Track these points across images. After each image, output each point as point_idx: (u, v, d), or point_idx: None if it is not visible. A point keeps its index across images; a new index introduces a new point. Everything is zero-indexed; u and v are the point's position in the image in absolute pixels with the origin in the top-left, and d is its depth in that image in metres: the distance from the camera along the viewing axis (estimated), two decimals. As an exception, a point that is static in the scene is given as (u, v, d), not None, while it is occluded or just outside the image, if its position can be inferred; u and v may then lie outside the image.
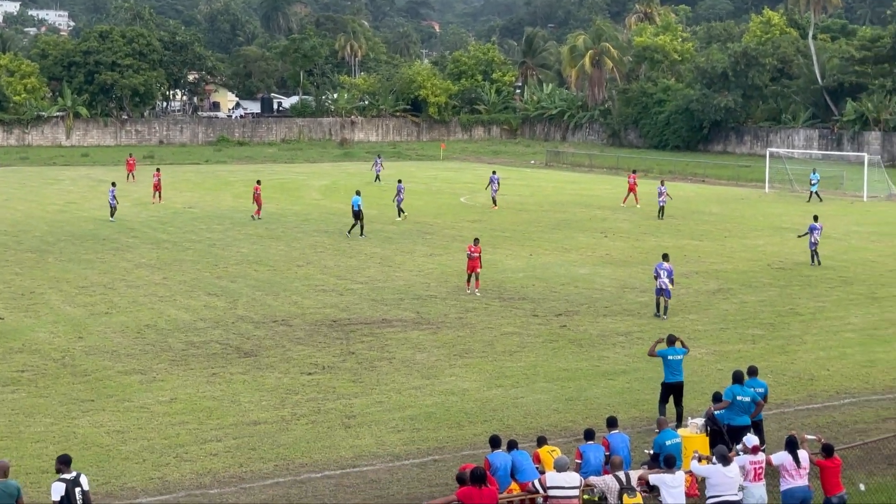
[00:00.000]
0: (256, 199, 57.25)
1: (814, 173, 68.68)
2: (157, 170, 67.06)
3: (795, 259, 44.41)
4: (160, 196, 64.06)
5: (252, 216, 56.62)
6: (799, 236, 45.80)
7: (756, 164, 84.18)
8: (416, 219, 57.43)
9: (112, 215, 55.80)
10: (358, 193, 51.63)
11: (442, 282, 39.13)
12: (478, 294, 36.42)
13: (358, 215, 50.80)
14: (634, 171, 67.58)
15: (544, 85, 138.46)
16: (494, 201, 63.25)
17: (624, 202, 63.69)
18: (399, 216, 57.53)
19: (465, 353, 28.89)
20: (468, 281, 37.19)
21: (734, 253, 46.18)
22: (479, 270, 36.99)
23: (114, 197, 55.78)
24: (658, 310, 33.09)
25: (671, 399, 22.73)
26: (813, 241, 42.49)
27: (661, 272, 32.82)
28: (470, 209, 62.44)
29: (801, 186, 74.35)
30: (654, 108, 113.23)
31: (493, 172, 66.93)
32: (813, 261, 42.50)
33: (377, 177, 79.71)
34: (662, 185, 59.41)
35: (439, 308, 34.60)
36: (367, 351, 29.02)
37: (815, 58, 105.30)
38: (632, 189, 63.73)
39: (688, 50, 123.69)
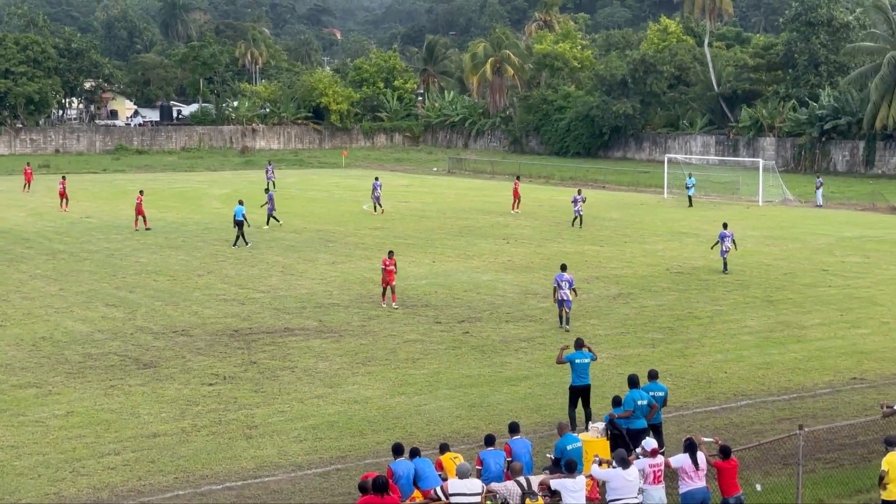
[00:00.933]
0: (138, 210, 55.42)
1: (689, 178, 70.29)
2: (63, 177, 66.19)
3: (694, 264, 45.12)
4: (66, 203, 63.17)
5: (135, 228, 54.98)
6: (712, 247, 45.24)
7: (655, 170, 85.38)
8: (318, 227, 57.17)
9: None
10: (241, 203, 50.77)
11: (345, 290, 38.98)
12: (395, 307, 35.72)
13: (241, 225, 49.93)
14: (518, 178, 68.73)
15: (446, 92, 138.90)
16: (376, 207, 64.48)
17: (514, 208, 64.49)
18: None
19: (367, 361, 28.81)
20: (383, 294, 36.24)
21: (634, 258, 46.76)
22: (393, 283, 35.96)
23: None
24: (561, 322, 32.80)
25: (579, 402, 22.98)
26: (724, 248, 42.72)
27: (563, 283, 32.46)
28: (372, 217, 62.32)
29: (700, 192, 75.59)
30: (555, 115, 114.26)
31: (376, 178, 67.84)
32: (725, 269, 42.55)
33: (272, 184, 79.24)
34: (579, 193, 59.26)
35: (342, 316, 34.46)
36: (269, 360, 28.79)
37: (710, 65, 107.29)
38: (516, 194, 64.91)
39: (587, 57, 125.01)
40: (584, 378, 23.07)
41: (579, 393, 23.05)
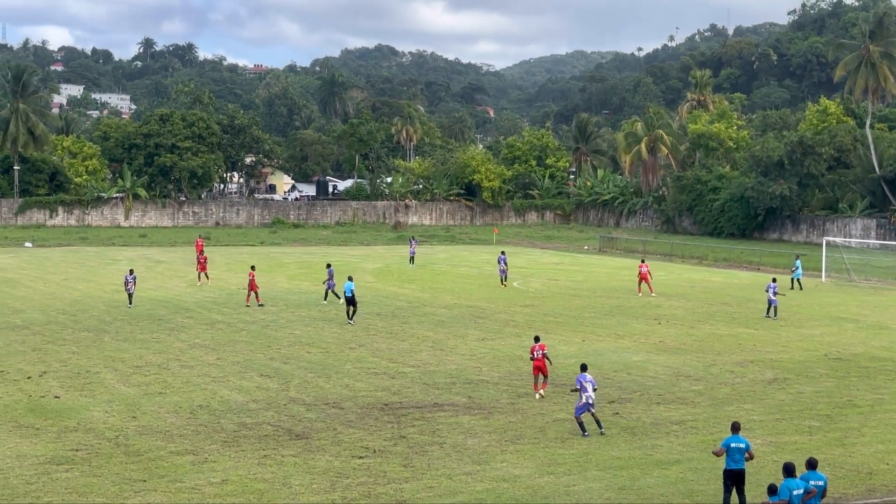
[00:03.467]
0: (251, 285, 55.33)
1: (797, 259, 68.44)
2: (253, 268, 57.85)
3: (853, 350, 43.83)
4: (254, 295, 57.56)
5: (246, 304, 54.95)
6: None
7: (812, 253, 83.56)
8: (468, 303, 57.48)
9: (130, 301, 54.74)
10: (350, 279, 51.08)
11: (494, 366, 39.00)
12: (542, 394, 34.06)
13: (351, 301, 49.75)
14: (644, 261, 65.39)
15: (598, 171, 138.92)
16: (503, 280, 65.63)
17: (639, 291, 62.27)
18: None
19: (516, 438, 28.68)
20: (535, 384, 34.33)
21: (790, 342, 45.67)
22: (546, 371, 34.05)
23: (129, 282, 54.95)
24: (587, 428, 29.12)
25: (734, 489, 22.51)
26: None
27: (587, 384, 28.90)
28: (522, 294, 62.39)
29: (859, 276, 73.70)
30: (709, 195, 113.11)
31: (502, 252, 69.09)
32: None
33: (411, 258, 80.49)
34: (774, 281, 54.51)
35: (491, 393, 34.44)
36: (419, 435, 28.90)
37: (872, 147, 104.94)
38: (644, 278, 62.56)
39: (743, 138, 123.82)
40: (739, 463, 22.59)
41: (734, 478, 22.56)
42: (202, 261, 64.76)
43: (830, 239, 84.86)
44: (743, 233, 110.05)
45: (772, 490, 20.09)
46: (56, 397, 33.11)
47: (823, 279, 73.22)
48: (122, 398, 33.06)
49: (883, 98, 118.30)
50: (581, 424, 28.99)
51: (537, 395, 34.00)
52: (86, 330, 46.48)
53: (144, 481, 24.43)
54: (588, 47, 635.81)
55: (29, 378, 35.90)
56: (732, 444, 22.76)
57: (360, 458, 26.55)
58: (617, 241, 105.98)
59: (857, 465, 26.71)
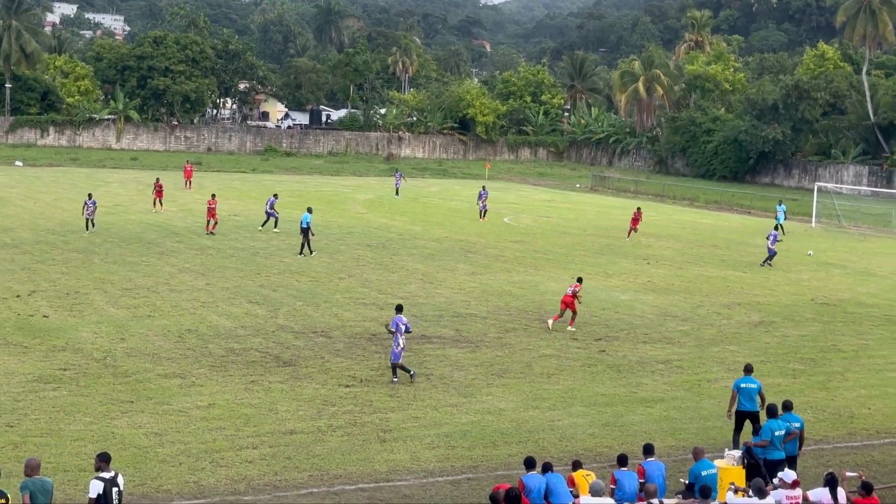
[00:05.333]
0: (210, 212, 54.15)
1: (780, 204, 68.45)
2: (213, 197, 56.53)
3: (840, 296, 44.06)
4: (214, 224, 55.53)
5: (209, 232, 53.80)
6: None
7: (804, 198, 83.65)
8: (458, 237, 57.52)
9: (87, 227, 52.80)
10: (309, 211, 49.82)
11: (483, 301, 39.14)
12: (571, 329, 34.79)
13: (305, 233, 48.70)
14: (639, 208, 63.45)
15: (593, 109, 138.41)
16: (482, 214, 65.65)
17: (629, 236, 59.88)
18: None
19: (503, 372, 28.87)
20: (557, 315, 34.95)
21: (778, 286, 45.87)
22: (574, 309, 34.76)
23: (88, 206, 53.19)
24: (397, 374, 27.63)
25: (744, 428, 22.69)
26: None
27: (402, 326, 27.53)
28: (513, 230, 62.45)
29: (849, 223, 73.91)
30: (703, 137, 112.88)
31: (483, 187, 68.87)
32: None
33: (396, 191, 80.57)
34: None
35: (479, 327, 34.61)
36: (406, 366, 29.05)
37: (868, 94, 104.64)
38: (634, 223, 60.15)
39: (739, 80, 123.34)
40: (752, 403, 22.63)
41: (745, 417, 22.71)
42: (159, 188, 63.20)
43: (822, 184, 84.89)
44: (735, 176, 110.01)
45: (755, 431, 20.29)
46: (45, 317, 33.18)
47: (813, 225, 73.36)
48: (110, 320, 33.14)
49: (880, 45, 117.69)
50: (399, 369, 27.37)
51: (550, 323, 34.69)
52: (75, 251, 46.43)
53: (132, 402, 24.57)
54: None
55: (18, 297, 35.94)
56: (742, 385, 22.90)
57: (347, 386, 26.71)
58: (609, 180, 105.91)
59: (840, 408, 26.96)
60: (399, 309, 28.30)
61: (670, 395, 27.36)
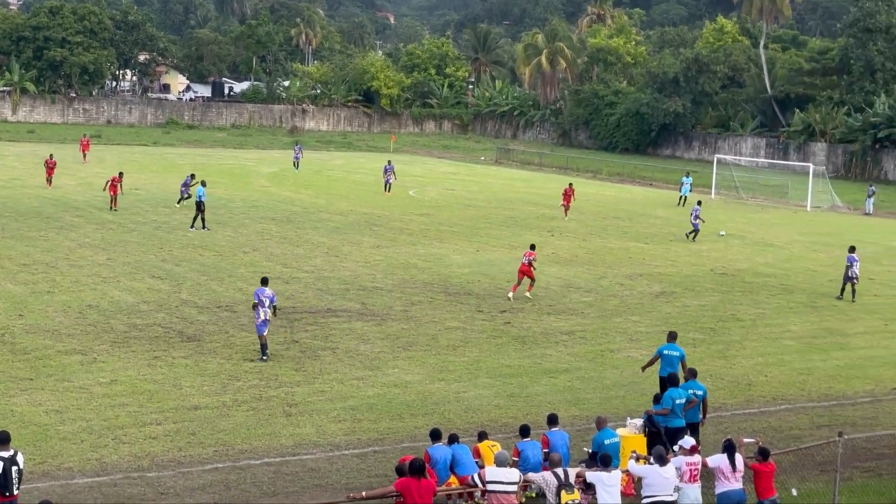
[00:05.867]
0: (112, 188, 52.38)
1: (687, 177, 69.57)
2: (120, 174, 55.19)
3: (738, 266, 44.94)
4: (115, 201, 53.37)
5: (113, 209, 52.17)
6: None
7: (703, 170, 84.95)
8: (364, 210, 57.41)
9: None
10: (203, 184, 49.25)
11: (388, 274, 39.15)
12: (528, 295, 35.79)
13: (200, 206, 48.01)
14: (571, 184, 61.49)
15: (497, 82, 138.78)
16: (387, 187, 65.92)
17: (566, 214, 58.28)
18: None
19: (408, 345, 28.95)
20: (515, 285, 35.73)
21: (679, 257, 46.61)
22: (532, 276, 35.82)
23: None
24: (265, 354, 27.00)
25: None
26: (850, 274, 37.95)
27: (265, 299, 26.89)
28: (418, 202, 62.51)
29: (748, 194, 75.32)
30: (605, 109, 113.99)
31: (388, 161, 68.90)
32: (852, 297, 37.93)
33: (297, 164, 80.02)
34: (699, 204, 54.40)
35: (384, 300, 34.63)
36: (311, 340, 29.00)
37: (765, 67, 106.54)
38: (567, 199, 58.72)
39: (641, 54, 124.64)
40: (674, 367, 22.97)
41: (666, 382, 23.06)
42: (51, 165, 61.25)
43: (721, 156, 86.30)
44: (637, 148, 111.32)
45: (656, 399, 20.65)
46: (-60, 294, 32.42)
47: (713, 196, 74.59)
48: (8, 296, 32.49)
49: (777, 19, 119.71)
50: (264, 345, 26.82)
51: (510, 295, 35.24)
52: (-29, 227, 45.40)
53: (31, 380, 24.16)
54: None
55: (-89, 274, 35.06)
56: (665, 352, 23.40)
57: (252, 361, 26.57)
58: (513, 152, 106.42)
59: (738, 376, 27.55)
60: (264, 282, 27.95)
61: (574, 366, 27.70)
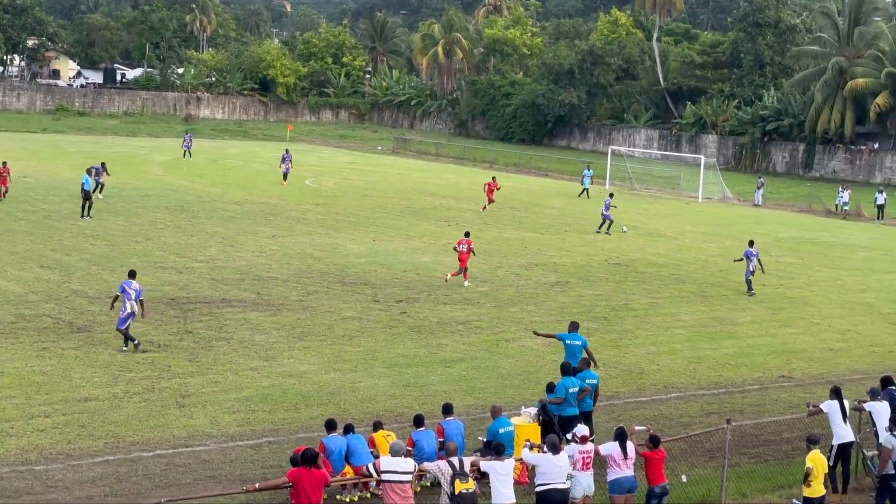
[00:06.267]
0: (2, 180, 50.85)
1: (588, 169, 70.45)
2: (4, 164, 52.65)
3: (632, 256, 45.57)
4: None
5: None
6: (735, 261, 41.79)
7: (598, 161, 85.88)
8: (259, 199, 56.94)
9: None
10: (88, 173, 48.67)
11: (284, 264, 38.90)
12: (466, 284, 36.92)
13: (86, 195, 47.28)
14: (494, 178, 60.85)
15: (394, 71, 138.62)
16: (285, 177, 65.16)
17: (483, 209, 57.48)
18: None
19: (304, 335, 28.81)
20: (456, 272, 37.07)
21: (574, 247, 47.10)
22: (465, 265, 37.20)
23: None
24: (129, 341, 26.58)
25: None
26: (750, 269, 38.67)
27: (131, 291, 26.63)
28: (315, 192, 62.18)
29: (641, 185, 76.41)
30: (502, 100, 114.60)
31: (286, 151, 68.24)
32: (750, 290, 38.44)
33: (187, 153, 78.88)
34: (611, 196, 54.02)
35: (280, 290, 34.40)
36: (205, 330, 28.69)
37: (658, 60, 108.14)
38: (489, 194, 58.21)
39: (537, 45, 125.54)
40: (576, 357, 23.15)
41: (561, 370, 23.25)
42: None
43: (616, 148, 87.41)
44: (533, 139, 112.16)
45: (550, 388, 20.83)
46: None
47: (608, 187, 75.46)
48: None
49: (670, 12, 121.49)
50: (126, 336, 26.43)
51: (448, 277, 36.81)
52: None
53: (-86, 373, 23.52)
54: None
55: None
56: (568, 341, 23.62)
57: (145, 352, 26.19)
58: (411, 142, 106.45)
59: (630, 365, 27.96)
60: (132, 274, 27.47)
61: (469, 355, 27.84)
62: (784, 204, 72.87)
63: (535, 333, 25.92)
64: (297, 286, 35.17)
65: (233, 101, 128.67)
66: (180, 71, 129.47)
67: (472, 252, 37.42)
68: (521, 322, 31.81)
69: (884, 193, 68.11)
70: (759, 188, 72.23)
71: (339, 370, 25.78)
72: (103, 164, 55.04)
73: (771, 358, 29.54)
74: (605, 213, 52.46)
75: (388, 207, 56.98)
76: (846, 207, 68.18)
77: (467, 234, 38.41)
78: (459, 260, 37.08)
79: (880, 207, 66.84)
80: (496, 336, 30.07)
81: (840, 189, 70.27)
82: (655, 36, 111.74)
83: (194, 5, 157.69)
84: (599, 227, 52.44)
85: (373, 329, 30.00)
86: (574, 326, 24.11)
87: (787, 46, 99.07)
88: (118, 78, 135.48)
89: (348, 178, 72.22)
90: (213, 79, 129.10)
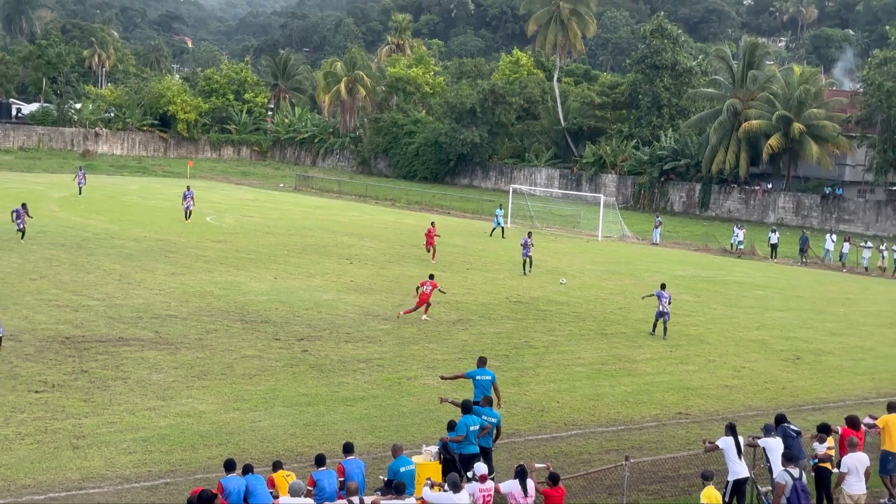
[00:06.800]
0: None
1: (499, 209, 70.93)
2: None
3: (533, 294, 45.89)
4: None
5: None
6: (643, 297, 42.40)
7: (500, 199, 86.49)
8: (159, 236, 56.23)
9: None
10: (10, 215, 48.35)
11: (183, 302, 38.41)
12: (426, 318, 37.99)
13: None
14: (433, 223, 58.13)
15: (297, 108, 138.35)
16: (187, 215, 64.23)
17: (433, 258, 54.45)
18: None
19: (203, 374, 28.44)
20: (415, 309, 38.18)
21: (475, 285, 47.30)
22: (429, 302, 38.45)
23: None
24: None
25: None
26: (661, 310, 38.01)
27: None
28: (215, 229, 61.61)
29: (542, 223, 77.12)
30: (405, 138, 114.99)
31: (188, 188, 67.41)
32: (659, 332, 38.25)
33: (81, 189, 77.58)
34: (529, 236, 53.01)
35: (179, 328, 33.96)
36: (101, 370, 28.17)
37: (558, 100, 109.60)
38: (430, 241, 55.50)
39: (439, 84, 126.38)
40: (486, 392, 23.21)
41: (461, 408, 23.26)
42: None
43: (517, 186, 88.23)
44: (435, 177, 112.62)
45: (451, 426, 20.84)
46: None
47: (509, 225, 76.03)
48: None
49: (570, 53, 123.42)
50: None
51: (401, 313, 38.21)
52: None
53: None
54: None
55: None
56: (477, 377, 23.67)
57: (38, 392, 25.63)
58: (313, 180, 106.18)
59: (531, 402, 28.10)
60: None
61: (371, 394, 27.74)
62: (681, 242, 74.16)
63: (443, 378, 25.80)
64: (197, 324, 34.75)
65: (132, 136, 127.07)
66: (78, 106, 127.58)
67: (441, 292, 39.32)
68: (422, 360, 31.81)
69: (777, 233, 69.70)
70: (656, 227, 73.39)
71: (238, 409, 25.49)
72: (24, 204, 52.85)
73: (668, 395, 29.93)
74: (524, 253, 51.90)
75: (289, 245, 56.68)
76: (741, 246, 69.59)
77: (431, 277, 39.09)
78: (419, 298, 37.99)
79: (773, 247, 68.37)
80: (398, 374, 30.02)
81: (735, 228, 71.72)
82: (556, 76, 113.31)
83: (93, 39, 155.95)
84: (524, 268, 51.93)
85: (273, 367, 29.75)
86: (482, 362, 24.25)
87: (683, 88, 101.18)
88: (13, 113, 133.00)
89: (250, 215, 71.73)
90: (112, 114, 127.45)
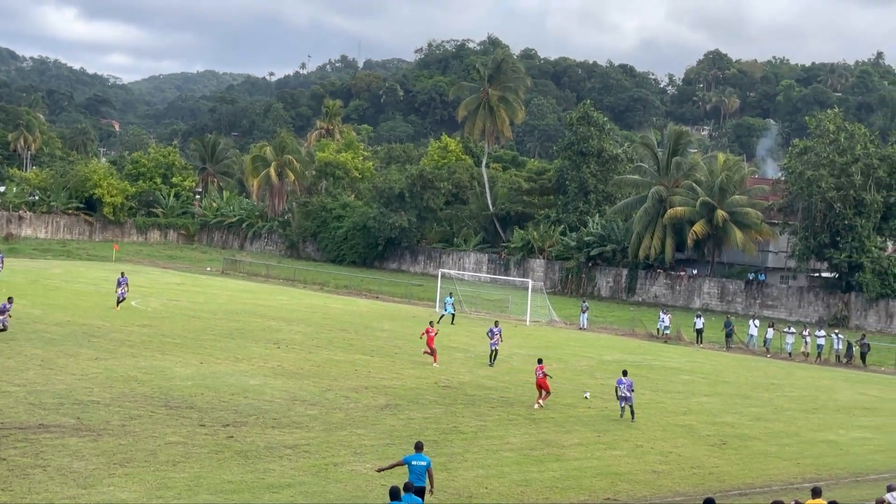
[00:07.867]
0: None
1: (449, 297, 70.81)
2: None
3: (461, 378, 45.81)
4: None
5: None
6: (584, 396, 42.89)
7: (428, 284, 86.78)
8: (82, 320, 55.41)
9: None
10: None
11: (106, 387, 37.76)
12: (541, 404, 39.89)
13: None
14: (432, 323, 52.70)
15: (224, 192, 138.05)
16: (118, 301, 62.74)
17: (435, 361, 49.69)
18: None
19: (126, 461, 27.89)
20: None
21: (403, 370, 47.11)
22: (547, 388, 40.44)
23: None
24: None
25: None
26: (621, 395, 38.85)
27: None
28: (140, 313, 60.89)
29: (471, 308, 77.25)
30: (333, 222, 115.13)
31: (122, 274, 66.05)
32: (632, 417, 38.85)
33: None
34: (496, 325, 52.15)
35: (101, 414, 33.33)
36: (20, 457, 27.50)
37: (487, 185, 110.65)
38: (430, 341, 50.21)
39: (368, 168, 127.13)
40: (421, 480, 23.16)
41: (389, 495, 23.06)
42: None
43: (446, 271, 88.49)
44: (364, 261, 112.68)
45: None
46: None
47: (438, 309, 76.07)
48: None
49: (498, 140, 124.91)
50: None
51: (536, 406, 39.84)
52: None
53: None
54: (223, 68, 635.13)
55: None
56: (413, 462, 23.61)
57: (-46, 481, 24.95)
58: (241, 263, 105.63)
59: (459, 488, 27.89)
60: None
61: (297, 480, 27.37)
62: (608, 327, 74.69)
63: (380, 470, 25.50)
64: (120, 410, 34.15)
65: (56, 220, 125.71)
66: (1, 189, 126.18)
67: (548, 376, 40.95)
68: (350, 446, 31.50)
69: (702, 318, 70.55)
70: (583, 312, 73.88)
71: (162, 498, 25.00)
72: (10, 298, 51.07)
73: (596, 480, 29.90)
74: (492, 343, 50.92)
75: (216, 329, 56.15)
76: (667, 331, 70.25)
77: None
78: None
79: (699, 332, 69.14)
80: (325, 460, 29.68)
81: (661, 313, 72.44)
82: (484, 162, 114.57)
83: (20, 122, 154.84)
84: (490, 360, 50.94)
85: (198, 454, 29.26)
86: (419, 447, 24.19)
87: (609, 175, 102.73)
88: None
89: (176, 299, 71.04)
90: (37, 197, 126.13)
